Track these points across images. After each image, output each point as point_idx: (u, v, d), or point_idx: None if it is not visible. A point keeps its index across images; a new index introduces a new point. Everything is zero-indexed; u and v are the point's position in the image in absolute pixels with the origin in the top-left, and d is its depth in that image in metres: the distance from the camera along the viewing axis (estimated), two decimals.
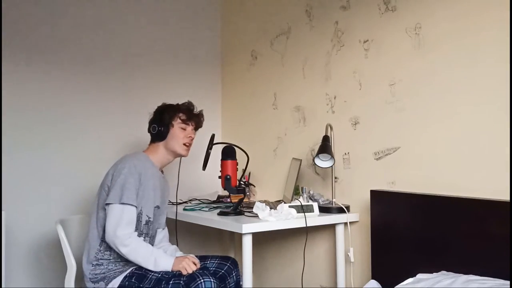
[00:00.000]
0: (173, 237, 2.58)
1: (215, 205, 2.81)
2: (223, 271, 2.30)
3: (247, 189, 2.93)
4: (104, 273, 2.15)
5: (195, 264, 2.14)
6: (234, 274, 2.32)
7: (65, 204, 2.89)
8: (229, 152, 2.47)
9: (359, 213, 2.50)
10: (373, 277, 2.24)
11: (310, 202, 2.46)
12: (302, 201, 2.46)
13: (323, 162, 2.47)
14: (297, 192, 2.60)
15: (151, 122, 2.38)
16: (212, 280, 2.02)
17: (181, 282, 2.03)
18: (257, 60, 3.25)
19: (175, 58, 3.35)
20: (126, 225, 2.11)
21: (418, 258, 2.09)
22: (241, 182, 2.58)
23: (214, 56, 3.54)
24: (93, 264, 2.18)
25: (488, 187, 1.94)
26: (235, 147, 2.51)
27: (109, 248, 2.17)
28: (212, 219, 2.42)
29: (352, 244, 2.48)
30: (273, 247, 3.07)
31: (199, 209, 2.68)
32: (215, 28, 3.55)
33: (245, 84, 3.35)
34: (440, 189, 2.10)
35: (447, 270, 1.89)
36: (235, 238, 3.31)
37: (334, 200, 2.54)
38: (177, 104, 2.41)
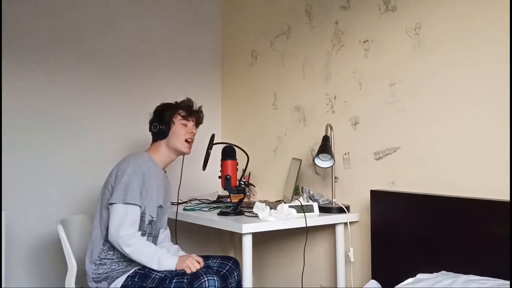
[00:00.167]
0: (173, 237, 2.57)
1: (215, 205, 2.81)
2: (224, 270, 2.30)
3: (247, 189, 2.93)
4: (107, 273, 2.15)
5: (199, 263, 2.14)
6: (235, 274, 2.32)
7: (65, 204, 2.89)
8: (229, 152, 2.47)
9: (359, 213, 2.50)
10: (373, 277, 2.24)
11: (310, 202, 2.46)
12: (302, 201, 2.46)
13: (323, 162, 2.47)
14: (297, 192, 2.60)
15: (152, 121, 2.38)
16: (215, 278, 2.02)
17: (185, 280, 2.03)
18: (257, 60, 3.25)
19: (175, 58, 3.35)
20: (129, 225, 2.10)
21: (418, 258, 2.09)
22: (241, 182, 2.58)
23: (214, 56, 3.54)
24: (96, 264, 2.17)
25: (488, 187, 1.94)
26: (235, 147, 2.51)
27: (112, 247, 2.16)
28: (212, 219, 2.42)
29: (352, 244, 2.48)
30: (273, 247, 3.07)
31: (199, 209, 2.68)
32: (215, 28, 3.55)
33: (245, 84, 3.35)
34: (440, 189, 2.10)
35: (447, 270, 1.89)
36: (235, 238, 3.31)
37: (334, 200, 2.54)
38: (176, 102, 2.42)
